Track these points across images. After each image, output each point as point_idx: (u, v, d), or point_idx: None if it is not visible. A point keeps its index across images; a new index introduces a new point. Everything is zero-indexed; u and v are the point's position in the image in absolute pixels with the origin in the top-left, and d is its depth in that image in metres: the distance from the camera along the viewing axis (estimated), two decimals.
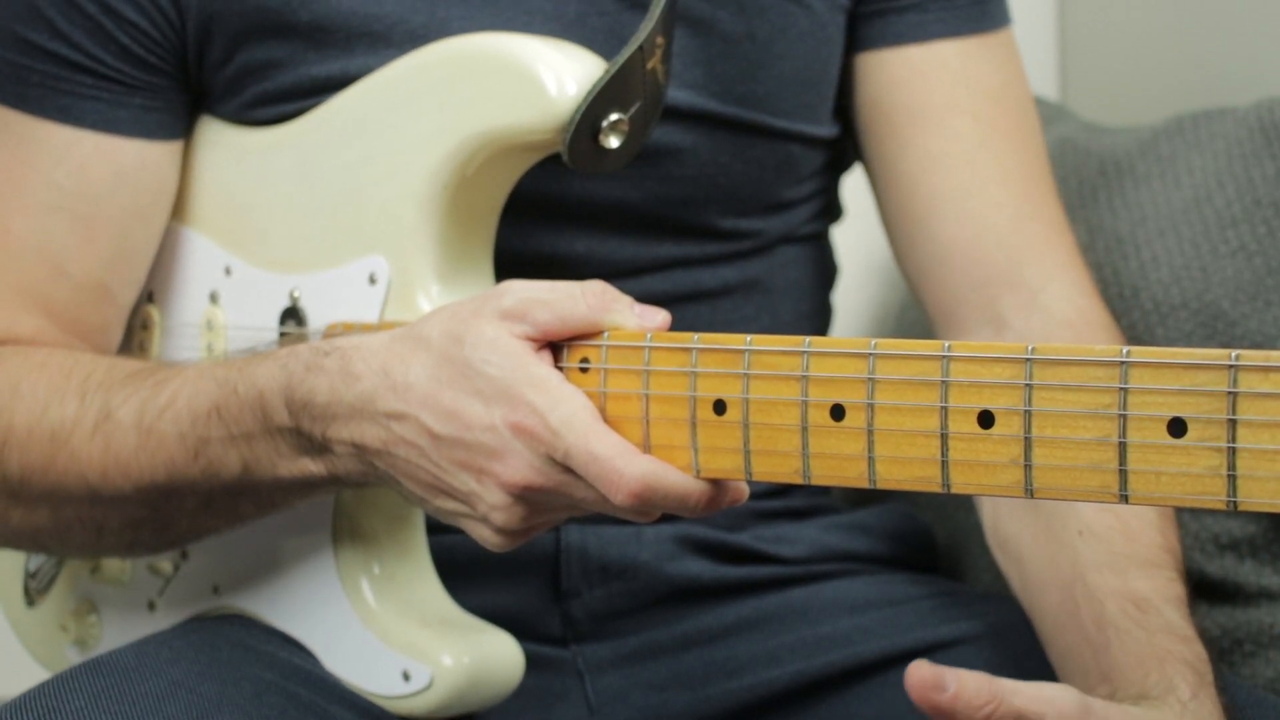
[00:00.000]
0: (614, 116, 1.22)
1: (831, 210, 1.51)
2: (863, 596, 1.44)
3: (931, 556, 1.54)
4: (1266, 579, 1.54)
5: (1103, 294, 1.64)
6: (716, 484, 1.08)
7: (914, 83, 1.41)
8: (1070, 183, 1.74)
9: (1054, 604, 1.26)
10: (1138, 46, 2.00)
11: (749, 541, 1.43)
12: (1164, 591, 1.22)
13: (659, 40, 1.24)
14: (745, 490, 1.09)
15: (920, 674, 1.00)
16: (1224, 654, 1.53)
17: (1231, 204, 1.62)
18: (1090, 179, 1.73)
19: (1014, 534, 1.33)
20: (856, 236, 1.54)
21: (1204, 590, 1.55)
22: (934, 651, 1.37)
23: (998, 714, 1.00)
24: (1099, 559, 1.23)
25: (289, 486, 1.23)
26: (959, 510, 1.64)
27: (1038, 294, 1.39)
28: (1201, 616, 1.55)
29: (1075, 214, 1.70)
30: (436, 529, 1.31)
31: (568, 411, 1.08)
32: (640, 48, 1.22)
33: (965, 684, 1.00)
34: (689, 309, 1.38)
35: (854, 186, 1.53)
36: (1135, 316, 1.62)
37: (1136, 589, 1.21)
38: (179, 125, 1.39)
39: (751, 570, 1.44)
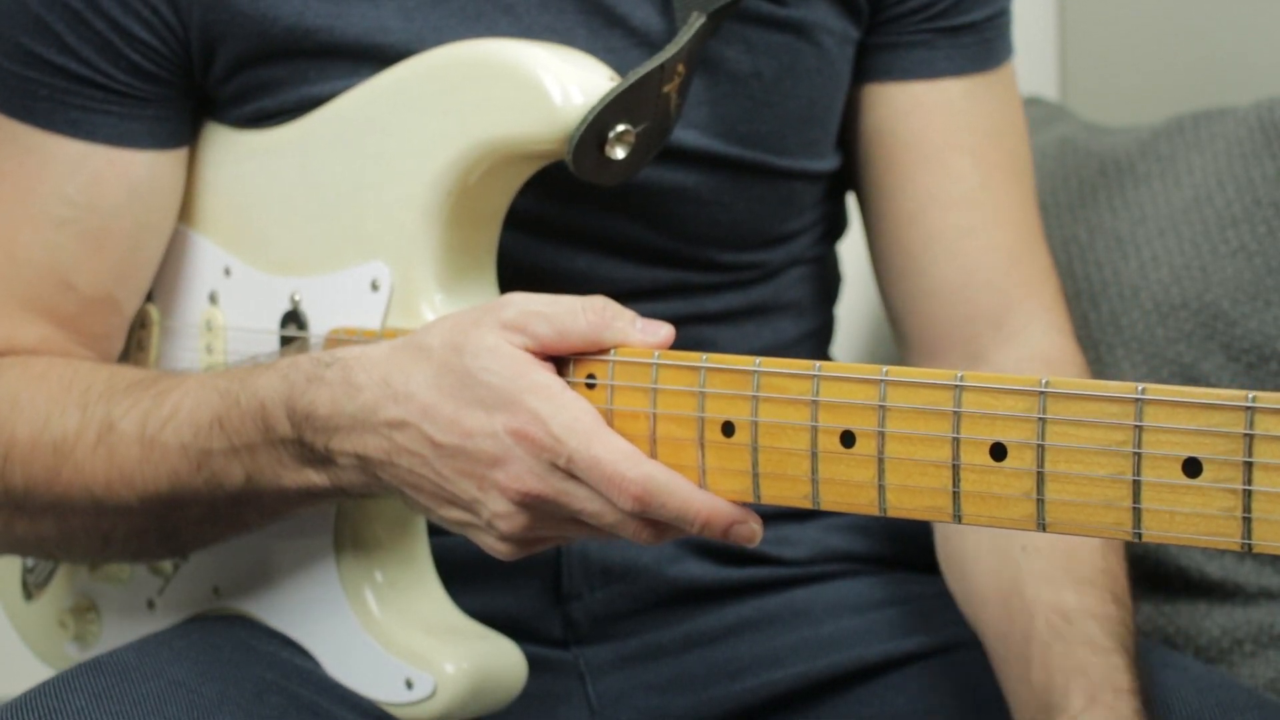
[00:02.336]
0: (622, 127, 1.21)
1: (836, 228, 1.51)
2: (865, 597, 1.44)
3: (933, 556, 1.54)
4: (1266, 579, 1.55)
5: (1102, 294, 1.64)
6: (724, 508, 1.08)
7: (918, 119, 1.40)
8: (1070, 183, 1.74)
9: (993, 618, 1.27)
10: (1138, 46, 2.00)
11: (753, 546, 1.43)
12: (1091, 608, 1.22)
13: (680, 69, 1.23)
14: (756, 532, 1.09)
15: None
16: (1224, 654, 1.54)
17: (1231, 204, 1.62)
18: (1090, 179, 1.73)
19: (958, 549, 1.34)
20: (856, 244, 1.53)
21: (1204, 590, 1.56)
22: (936, 654, 1.38)
23: None
24: (1037, 573, 1.24)
25: (293, 497, 1.23)
26: None
27: (1018, 333, 1.40)
28: (1201, 616, 1.56)
29: (1075, 214, 1.70)
30: (437, 531, 1.31)
31: (569, 417, 1.08)
32: (661, 66, 1.22)
33: None
34: (691, 330, 1.37)
35: (853, 199, 1.53)
36: (1135, 316, 1.62)
37: (1065, 602, 1.22)
38: (188, 131, 1.38)
39: (753, 572, 1.44)
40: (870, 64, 1.42)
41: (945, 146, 1.40)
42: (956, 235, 1.40)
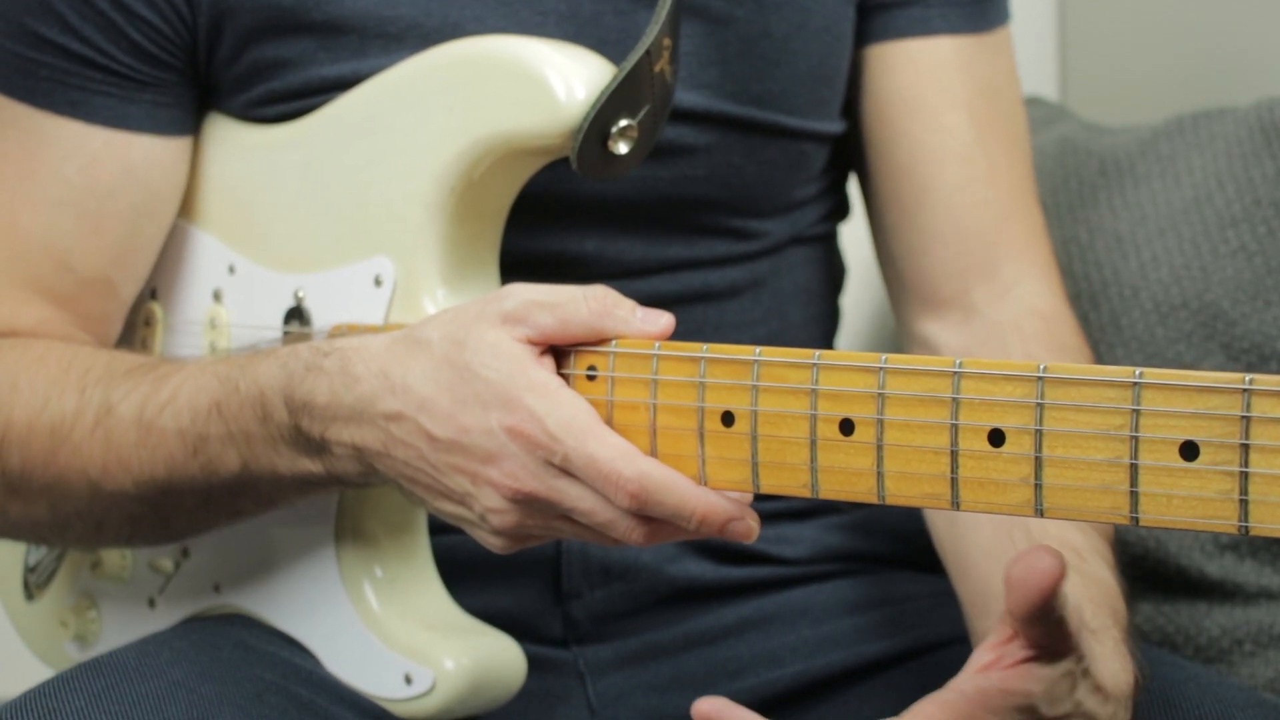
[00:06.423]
0: (623, 122, 1.22)
1: (840, 210, 1.52)
2: (864, 596, 1.44)
3: (932, 555, 1.54)
4: (1266, 579, 1.55)
5: (1102, 294, 1.65)
6: (720, 504, 1.08)
7: (912, 74, 1.42)
8: (1070, 183, 1.74)
9: (986, 540, 1.27)
10: (1138, 46, 2.00)
11: (750, 542, 1.43)
12: (1096, 548, 1.23)
13: (666, 42, 1.23)
14: (753, 529, 1.09)
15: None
16: (1224, 654, 1.54)
17: (1231, 204, 1.62)
18: (1090, 179, 1.73)
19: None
20: (859, 233, 1.53)
21: (1204, 590, 1.56)
22: (935, 651, 1.37)
23: None
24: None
25: (288, 485, 1.23)
26: None
27: (1011, 288, 1.41)
28: (1201, 616, 1.56)
29: (1075, 214, 1.71)
30: (437, 530, 1.31)
31: (566, 415, 1.09)
32: (647, 51, 1.22)
33: None
34: (697, 310, 1.38)
35: (856, 183, 1.53)
36: (1135, 316, 1.62)
37: (1073, 539, 1.22)
38: (189, 121, 1.38)
39: (753, 571, 1.44)
40: (868, 27, 1.43)
41: (939, 102, 1.41)
42: (950, 189, 1.41)
